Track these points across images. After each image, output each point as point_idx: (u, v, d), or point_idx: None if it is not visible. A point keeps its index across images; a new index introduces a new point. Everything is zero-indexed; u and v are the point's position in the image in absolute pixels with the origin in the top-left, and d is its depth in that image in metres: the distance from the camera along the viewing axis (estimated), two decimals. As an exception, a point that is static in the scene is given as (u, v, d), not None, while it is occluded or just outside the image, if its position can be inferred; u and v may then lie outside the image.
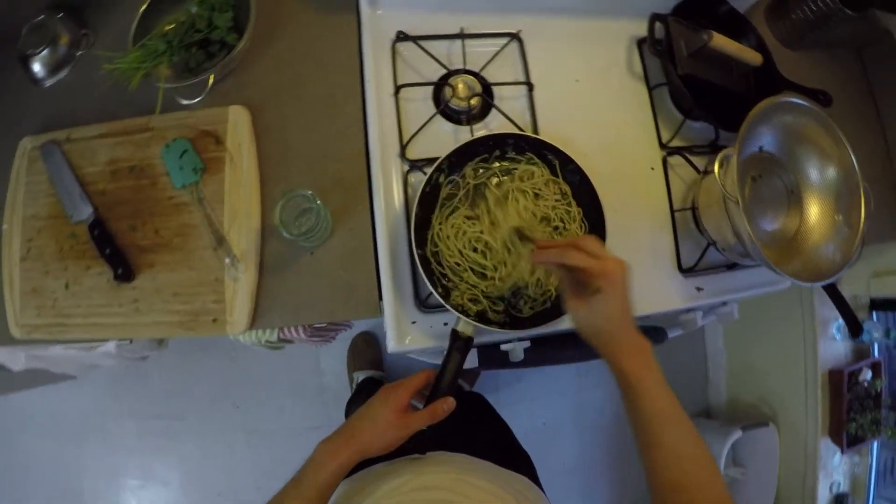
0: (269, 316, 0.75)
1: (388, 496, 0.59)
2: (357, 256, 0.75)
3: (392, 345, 0.73)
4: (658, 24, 0.82)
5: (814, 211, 0.83)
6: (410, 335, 0.73)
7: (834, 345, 1.28)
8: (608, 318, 0.54)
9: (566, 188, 0.74)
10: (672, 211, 0.83)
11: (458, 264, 0.70)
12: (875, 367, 1.27)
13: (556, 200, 0.73)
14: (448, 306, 0.67)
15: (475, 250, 0.70)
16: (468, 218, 0.71)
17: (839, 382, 1.24)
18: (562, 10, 0.84)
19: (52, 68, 0.88)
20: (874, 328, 1.18)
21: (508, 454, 0.77)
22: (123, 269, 0.76)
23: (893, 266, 1.10)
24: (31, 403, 1.66)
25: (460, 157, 0.72)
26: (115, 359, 1.01)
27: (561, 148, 0.73)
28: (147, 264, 0.77)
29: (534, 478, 0.74)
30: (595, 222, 0.73)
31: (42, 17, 0.89)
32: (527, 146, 0.74)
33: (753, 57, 0.84)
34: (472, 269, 0.70)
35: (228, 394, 1.68)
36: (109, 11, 0.88)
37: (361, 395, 1.03)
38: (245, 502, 1.65)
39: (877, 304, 1.19)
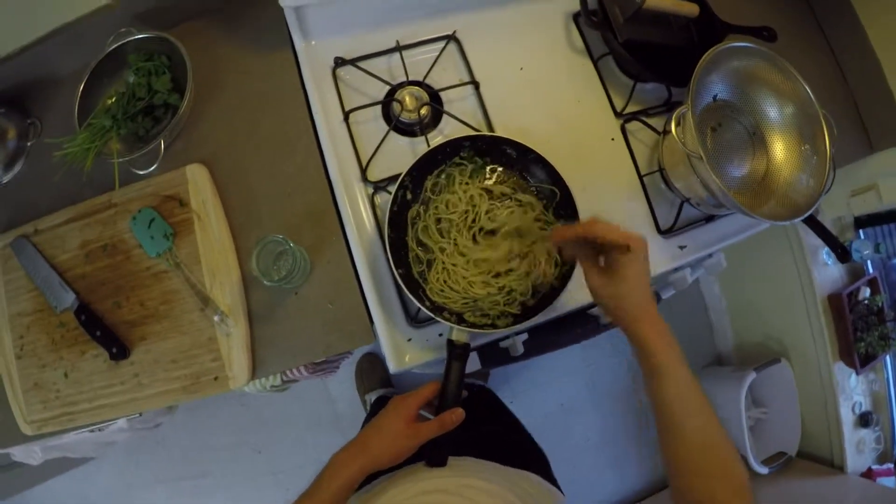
0: (267, 363, 0.75)
1: (390, 502, 0.59)
2: (341, 287, 0.75)
3: (393, 366, 0.73)
4: (586, -3, 0.82)
5: (779, 147, 0.84)
6: (409, 353, 0.74)
7: (827, 270, 1.29)
8: (633, 287, 0.56)
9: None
10: (640, 176, 0.83)
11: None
12: (872, 284, 1.28)
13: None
14: (438, 318, 0.67)
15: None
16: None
17: (840, 305, 1.25)
18: (490, 1, 0.84)
19: (6, 163, 0.88)
20: (863, 246, 1.18)
21: (517, 451, 0.78)
22: (117, 347, 0.77)
23: (870, 181, 1.11)
24: (59, 490, 1.66)
25: (421, 170, 0.72)
26: (128, 432, 1.02)
27: (517, 140, 0.73)
28: (139, 337, 0.78)
29: (545, 473, 0.74)
30: (565, 204, 0.73)
31: (-15, 115, 0.89)
32: (484, 145, 0.74)
33: (690, 9, 0.84)
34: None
35: (247, 441, 1.69)
36: (49, 97, 0.88)
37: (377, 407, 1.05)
38: None
39: (861, 222, 1.20)
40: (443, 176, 0.74)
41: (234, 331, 0.75)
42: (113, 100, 0.83)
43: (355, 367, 1.66)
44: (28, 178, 0.87)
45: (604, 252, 0.59)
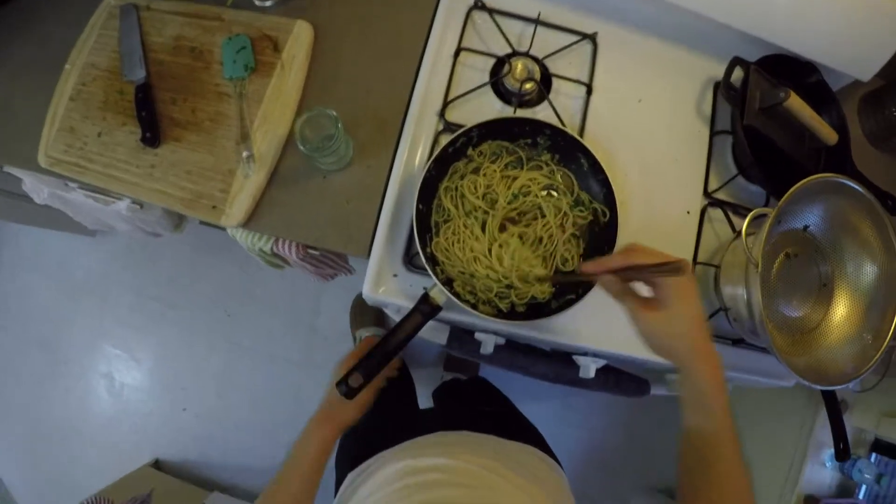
0: (263, 221, 0.76)
1: (385, 484, 0.60)
2: (366, 193, 0.75)
3: (367, 288, 0.72)
4: (738, 70, 0.78)
5: (840, 311, 0.77)
6: (386, 286, 0.72)
7: (821, 471, 1.18)
8: (689, 321, 0.50)
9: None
10: (695, 262, 0.78)
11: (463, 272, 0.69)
12: None
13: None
14: (428, 269, 0.65)
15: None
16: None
17: (814, 512, 1.14)
18: (647, 28, 0.82)
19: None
20: (868, 469, 1.08)
21: (514, 427, 0.80)
22: (152, 133, 0.79)
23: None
24: (45, 245, 1.75)
25: (491, 132, 0.71)
26: (127, 223, 1.05)
27: (596, 155, 0.70)
28: (174, 137, 0.80)
29: (543, 446, 0.75)
30: (607, 231, 0.70)
31: None
32: (562, 142, 0.72)
33: (828, 133, 0.79)
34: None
35: (226, 300, 1.72)
36: None
37: None
38: (203, 404, 1.69)
39: (880, 447, 1.09)
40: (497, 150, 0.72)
41: (253, 175, 0.75)
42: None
43: (352, 302, 1.66)
44: (167, -38, 0.91)
45: (649, 284, 0.52)
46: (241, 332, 1.70)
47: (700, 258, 0.78)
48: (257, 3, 0.83)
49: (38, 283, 1.75)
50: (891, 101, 0.89)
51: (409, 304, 0.69)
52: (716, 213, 0.80)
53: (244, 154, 0.75)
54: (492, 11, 0.80)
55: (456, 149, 0.70)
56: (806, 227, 0.77)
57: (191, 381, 1.70)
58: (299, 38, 0.80)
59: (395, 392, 0.91)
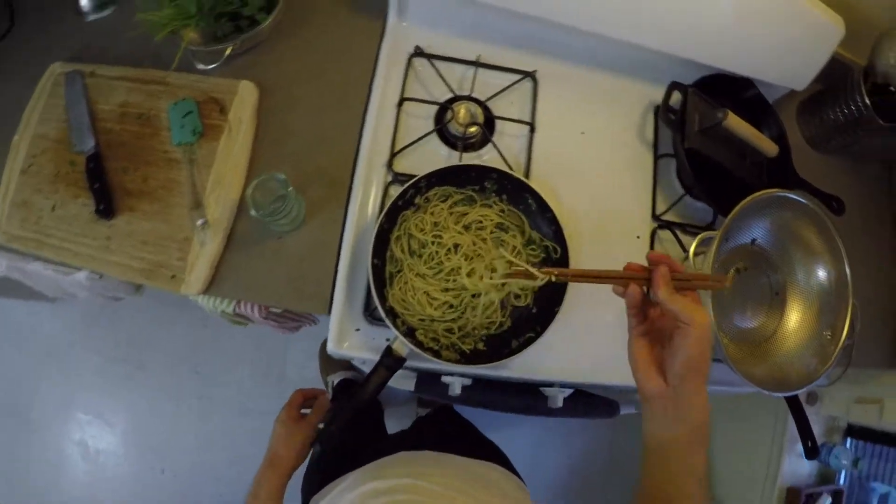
0: (223, 286, 0.76)
1: None
2: (321, 251, 0.75)
3: (330, 345, 0.73)
4: (677, 93, 0.80)
5: (795, 317, 0.80)
6: (350, 341, 0.73)
7: (800, 463, 1.21)
8: (694, 358, 0.44)
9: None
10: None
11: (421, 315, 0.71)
12: (836, 495, 1.20)
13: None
14: (388, 322, 0.67)
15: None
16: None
17: (795, 502, 1.17)
18: (585, 60, 0.84)
19: (99, 5, 0.92)
20: (843, 455, 1.11)
21: (477, 446, 0.83)
22: (106, 205, 0.79)
23: (878, 395, 1.04)
24: (4, 312, 1.71)
25: (439, 179, 0.72)
26: (87, 291, 1.04)
27: (541, 194, 0.72)
28: (128, 207, 0.80)
29: (506, 465, 0.77)
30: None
31: (101, -46, 0.94)
32: (509, 185, 0.73)
33: (768, 146, 0.81)
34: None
35: (192, 356, 1.70)
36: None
37: (339, 397, 1.05)
38: (181, 463, 1.67)
39: (853, 431, 1.13)
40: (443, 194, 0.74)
41: (209, 242, 0.76)
42: (212, -7, 0.86)
43: (319, 348, 1.65)
44: (109, 25, 0.91)
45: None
46: (211, 387, 1.69)
47: (654, 281, 0.80)
48: (199, 67, 0.83)
49: (1, 353, 1.72)
50: (827, 105, 0.92)
51: (374, 357, 0.70)
52: (665, 234, 0.82)
53: (198, 222, 0.75)
54: (431, 57, 0.81)
55: (405, 200, 0.71)
56: (753, 241, 0.80)
57: (166, 440, 1.68)
58: (244, 98, 0.81)
59: (363, 421, 0.92)
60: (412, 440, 0.74)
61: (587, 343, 0.76)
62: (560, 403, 0.79)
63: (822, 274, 0.80)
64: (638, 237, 0.81)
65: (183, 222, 0.78)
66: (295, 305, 0.74)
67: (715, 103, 0.81)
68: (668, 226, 0.82)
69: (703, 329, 0.44)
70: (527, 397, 0.80)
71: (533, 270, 0.50)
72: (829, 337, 0.79)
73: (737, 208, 0.71)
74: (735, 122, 0.78)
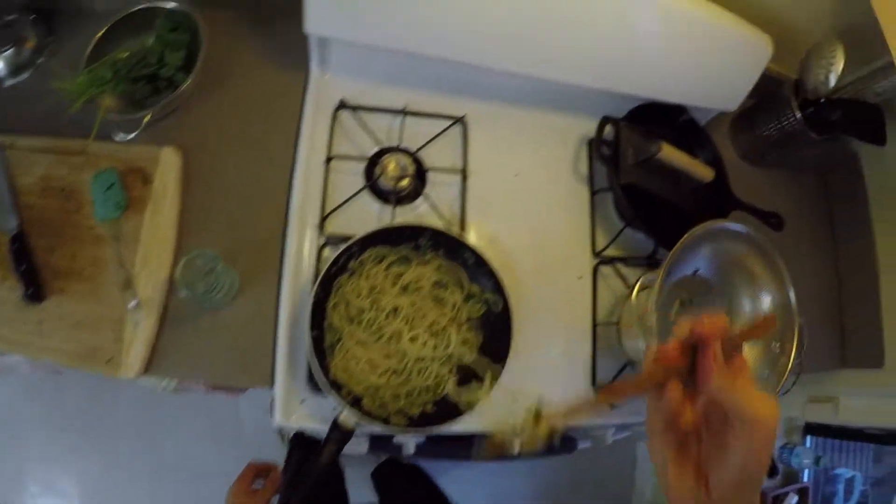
0: (163, 366, 0.74)
1: None
2: (258, 322, 0.74)
3: (277, 419, 0.72)
4: (610, 127, 0.80)
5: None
6: (297, 413, 0.72)
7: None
8: (751, 466, 0.33)
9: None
10: (594, 324, 0.80)
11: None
12: (802, 493, 1.23)
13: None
14: (331, 395, 0.66)
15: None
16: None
17: None
18: (514, 99, 0.82)
19: (14, 69, 0.88)
20: (805, 454, 1.14)
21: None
22: (34, 289, 0.76)
23: (831, 393, 1.07)
24: None
25: (371, 242, 0.71)
26: (28, 366, 1.02)
27: (477, 249, 0.71)
28: (58, 289, 0.77)
29: None
30: (500, 322, 0.71)
31: (15, 15, 0.89)
32: (445, 240, 0.72)
33: (704, 173, 0.81)
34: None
35: (141, 421, 1.65)
36: (77, 25, 0.88)
37: (294, 452, 1.03)
38: None
39: (811, 429, 1.16)
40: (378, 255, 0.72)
41: (143, 322, 0.74)
42: (125, 55, 0.83)
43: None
44: (26, 92, 0.87)
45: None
46: (163, 451, 1.64)
47: (599, 318, 0.81)
48: (117, 139, 0.80)
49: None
50: (760, 121, 0.92)
51: (323, 427, 0.69)
52: (607, 270, 0.82)
53: (130, 303, 0.73)
54: (357, 109, 0.79)
55: (339, 266, 0.70)
56: (696, 272, 0.80)
57: None
58: (167, 166, 0.78)
59: (322, 491, 0.91)
60: None
61: (536, 386, 0.76)
62: (517, 449, 0.80)
63: (766, 298, 0.80)
64: (580, 277, 0.81)
65: (115, 302, 0.76)
66: (236, 381, 0.73)
67: (648, 134, 0.81)
68: (610, 262, 0.82)
69: (768, 428, 0.32)
70: (475, 443, 0.80)
71: (587, 407, 0.40)
72: (778, 350, 0.80)
73: (676, 247, 0.71)
74: (669, 154, 0.77)
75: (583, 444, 0.86)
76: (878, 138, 0.85)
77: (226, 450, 1.63)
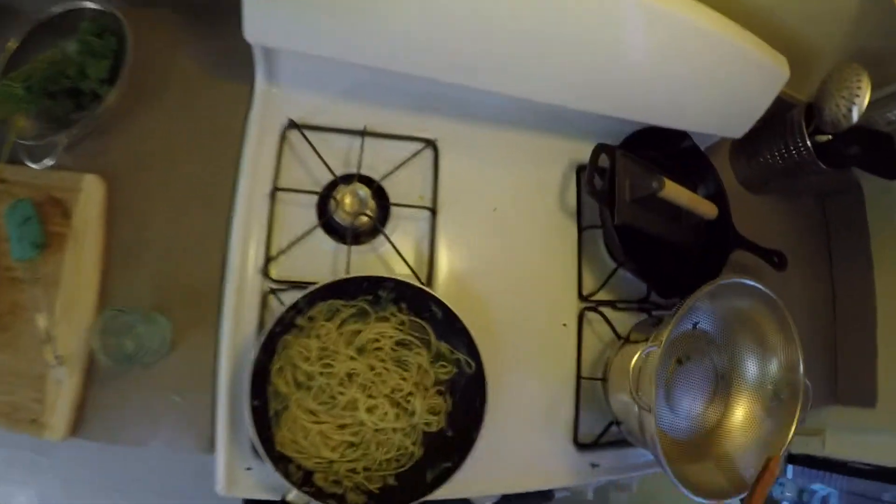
0: (93, 429, 0.65)
1: None
2: (195, 381, 0.65)
3: (220, 488, 0.64)
4: (604, 156, 0.69)
5: (741, 409, 0.73)
6: (243, 483, 0.64)
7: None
8: None
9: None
10: (578, 378, 0.72)
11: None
12: None
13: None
14: (278, 473, 0.57)
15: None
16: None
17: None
18: (493, 119, 0.71)
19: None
20: (788, 488, 1.09)
21: None
22: (-55, 340, 0.67)
23: (818, 426, 1.00)
24: None
25: (322, 295, 0.61)
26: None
27: (447, 302, 0.61)
28: (-27, 339, 0.68)
29: None
30: (471, 395, 0.62)
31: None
32: (409, 291, 0.63)
33: (708, 210, 0.71)
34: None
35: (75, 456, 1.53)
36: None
37: None
38: None
39: (795, 459, 1.10)
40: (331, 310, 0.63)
41: (66, 381, 0.65)
42: (41, 67, 0.71)
43: None
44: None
45: None
46: (124, 468, 1.55)
47: (584, 371, 0.72)
48: (33, 164, 0.69)
49: None
50: (764, 148, 0.82)
51: (273, 496, 0.61)
52: (594, 317, 0.73)
53: (51, 359, 0.64)
54: (308, 129, 0.68)
55: (284, 324, 0.61)
56: (695, 325, 0.71)
57: None
58: (90, 197, 0.68)
59: None
60: None
61: (511, 451, 0.69)
62: None
63: (769, 358, 0.72)
64: (564, 325, 0.72)
65: (35, 355, 0.66)
66: (173, 447, 0.65)
67: (648, 166, 0.70)
68: (597, 308, 0.73)
69: None
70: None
71: None
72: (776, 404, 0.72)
73: (681, 310, 0.62)
74: (673, 191, 0.67)
75: (561, 493, 0.79)
76: (891, 172, 0.76)
77: (189, 464, 1.55)
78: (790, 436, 0.68)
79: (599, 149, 0.68)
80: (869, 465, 0.99)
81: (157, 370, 0.65)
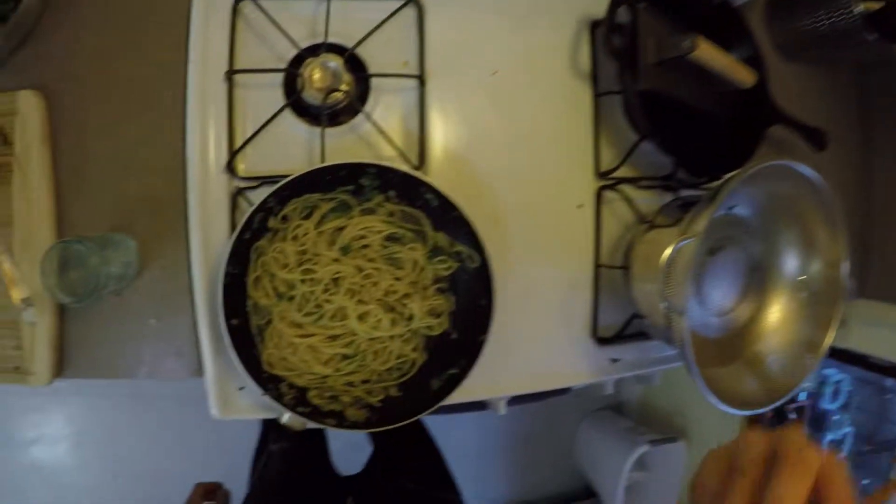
0: (77, 367, 0.61)
1: None
2: (172, 301, 0.59)
3: (215, 412, 0.59)
4: (625, 10, 0.57)
5: (775, 308, 0.64)
6: (237, 403, 0.59)
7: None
8: None
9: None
10: (597, 265, 0.63)
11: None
12: (800, 411, 1.18)
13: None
14: (269, 396, 0.52)
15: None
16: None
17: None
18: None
19: None
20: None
21: (436, 483, 0.79)
22: None
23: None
24: None
25: (295, 190, 0.53)
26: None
27: (440, 188, 0.52)
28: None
29: None
30: (476, 291, 0.54)
31: None
32: (395, 178, 0.53)
33: (745, 77, 0.60)
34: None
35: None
36: None
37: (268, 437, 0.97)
38: (132, 468, 1.64)
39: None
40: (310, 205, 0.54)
41: (38, 321, 0.60)
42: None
43: None
44: None
45: None
46: (141, 383, 1.56)
47: (603, 259, 0.63)
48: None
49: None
50: (799, 11, 0.68)
51: (274, 415, 0.56)
52: (613, 196, 0.64)
53: (19, 301, 0.58)
54: (262, -1, 0.56)
55: (253, 229, 0.53)
56: (731, 208, 0.61)
57: (110, 447, 1.64)
58: (28, 117, 0.59)
59: (306, 456, 0.81)
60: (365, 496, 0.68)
61: (525, 350, 0.62)
62: (504, 410, 0.68)
63: (816, 261, 0.62)
64: (580, 206, 0.62)
65: (4, 302, 0.60)
66: (161, 374, 0.60)
67: (676, 22, 0.57)
68: (617, 185, 0.63)
69: None
70: (464, 408, 0.67)
71: None
72: (809, 339, 0.63)
73: (722, 193, 0.51)
74: (707, 52, 0.56)
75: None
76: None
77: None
78: (828, 338, 0.60)
79: (618, 0, 0.55)
80: (889, 361, 0.96)
81: (130, 297, 0.59)
